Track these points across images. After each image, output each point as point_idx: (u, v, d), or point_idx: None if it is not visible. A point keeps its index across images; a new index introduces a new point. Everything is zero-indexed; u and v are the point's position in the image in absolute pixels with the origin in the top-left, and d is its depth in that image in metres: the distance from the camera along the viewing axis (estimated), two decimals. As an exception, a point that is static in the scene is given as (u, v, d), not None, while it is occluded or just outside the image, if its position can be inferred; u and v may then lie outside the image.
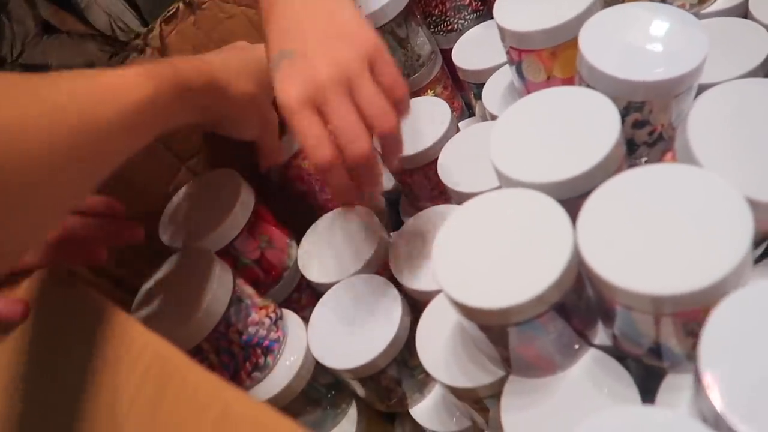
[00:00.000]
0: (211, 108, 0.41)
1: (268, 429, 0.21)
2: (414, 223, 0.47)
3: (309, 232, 0.53)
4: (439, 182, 0.48)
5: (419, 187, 0.55)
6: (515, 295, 0.29)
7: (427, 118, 0.52)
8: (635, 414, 0.24)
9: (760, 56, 0.42)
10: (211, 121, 0.43)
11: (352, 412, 0.52)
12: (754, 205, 0.28)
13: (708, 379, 0.24)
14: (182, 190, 0.50)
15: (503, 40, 0.45)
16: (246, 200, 0.48)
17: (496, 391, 0.36)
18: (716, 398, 0.23)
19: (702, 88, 0.35)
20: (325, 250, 0.50)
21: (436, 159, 0.49)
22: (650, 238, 0.28)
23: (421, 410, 0.47)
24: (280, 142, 0.50)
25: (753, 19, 0.45)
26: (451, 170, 0.48)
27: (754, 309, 0.25)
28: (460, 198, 0.45)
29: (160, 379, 0.25)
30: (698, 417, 0.26)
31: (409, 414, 0.49)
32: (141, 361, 0.27)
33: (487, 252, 0.31)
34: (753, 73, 0.41)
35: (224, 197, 0.48)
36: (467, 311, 0.30)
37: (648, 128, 0.38)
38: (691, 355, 0.30)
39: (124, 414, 0.25)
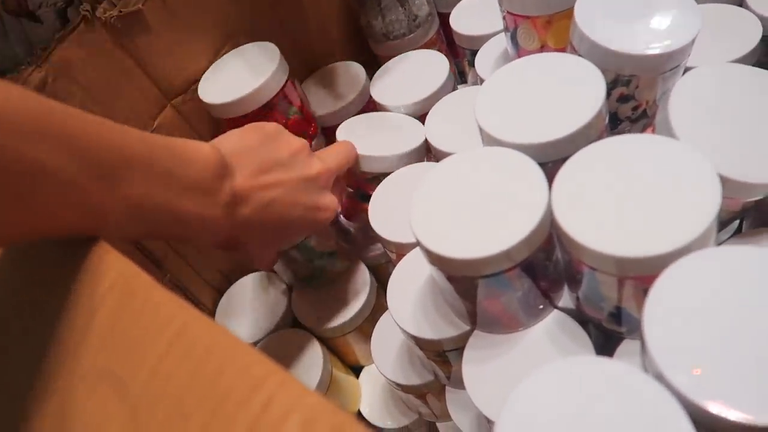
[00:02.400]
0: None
1: (222, 349, 0.22)
2: (395, 178, 0.47)
3: None
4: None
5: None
6: (486, 248, 0.30)
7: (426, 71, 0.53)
8: (584, 363, 0.25)
9: (750, 45, 0.42)
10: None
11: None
12: (725, 182, 0.28)
13: (650, 336, 0.25)
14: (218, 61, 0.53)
15: (501, 4, 0.45)
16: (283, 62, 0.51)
17: (459, 344, 0.37)
18: (658, 355, 0.24)
19: (688, 71, 0.36)
20: None
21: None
22: (621, 203, 0.29)
23: (386, 363, 0.48)
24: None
25: (747, 8, 0.45)
26: (437, 130, 0.48)
27: (700, 272, 0.26)
28: (444, 157, 0.46)
29: (123, 295, 0.26)
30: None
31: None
32: (106, 278, 0.27)
33: (464, 206, 0.32)
34: (741, 61, 0.42)
35: (262, 61, 0.50)
36: (439, 261, 0.31)
37: (632, 103, 0.39)
38: (648, 321, 0.31)
39: (84, 324, 0.26)
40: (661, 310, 0.25)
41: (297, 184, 0.38)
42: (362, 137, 0.50)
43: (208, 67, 0.52)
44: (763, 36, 0.43)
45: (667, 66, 0.36)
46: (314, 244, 0.50)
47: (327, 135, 0.59)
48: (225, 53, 0.53)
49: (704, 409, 0.22)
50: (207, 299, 0.57)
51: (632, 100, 0.38)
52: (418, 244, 0.32)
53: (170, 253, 0.51)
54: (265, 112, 0.50)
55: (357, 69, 0.60)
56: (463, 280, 0.32)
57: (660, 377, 0.24)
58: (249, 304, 0.56)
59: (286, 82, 0.51)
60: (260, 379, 0.19)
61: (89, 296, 0.27)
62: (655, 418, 0.22)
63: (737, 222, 0.40)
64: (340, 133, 0.52)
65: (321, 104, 0.59)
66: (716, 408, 0.22)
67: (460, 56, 0.62)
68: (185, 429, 0.20)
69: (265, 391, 0.19)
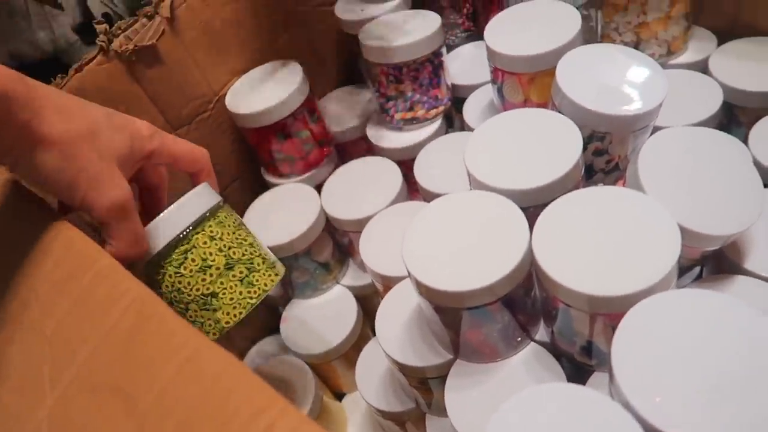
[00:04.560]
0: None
1: (229, 376, 0.24)
2: (384, 215, 0.50)
3: None
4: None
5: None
6: (471, 282, 0.33)
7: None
8: (558, 390, 0.28)
9: (712, 109, 0.47)
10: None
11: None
12: (686, 232, 0.32)
13: (617, 367, 0.28)
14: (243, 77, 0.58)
15: (490, 59, 0.49)
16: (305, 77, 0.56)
17: (441, 372, 0.40)
18: (624, 384, 0.27)
19: (657, 130, 0.40)
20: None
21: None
22: (594, 247, 0.32)
23: (370, 390, 0.50)
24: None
25: (710, 75, 0.50)
26: (426, 171, 0.52)
27: (662, 311, 0.29)
28: (432, 197, 0.49)
29: (139, 316, 0.28)
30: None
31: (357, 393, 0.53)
32: (124, 299, 0.29)
33: (452, 243, 0.35)
34: (704, 123, 0.46)
35: (285, 75, 0.56)
36: (428, 292, 0.34)
37: (606, 157, 0.42)
38: (616, 356, 0.35)
39: (100, 340, 0.27)
40: (627, 344, 0.28)
41: None
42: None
43: (214, 99, 0.56)
44: (723, 101, 0.48)
45: (638, 125, 0.40)
46: (311, 253, 0.52)
47: (339, 150, 0.63)
48: (232, 85, 0.57)
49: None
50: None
51: (606, 154, 0.42)
52: (408, 276, 0.35)
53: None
54: (289, 121, 0.55)
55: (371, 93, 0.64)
56: (448, 311, 0.35)
57: (626, 405, 0.26)
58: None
59: (309, 94, 0.56)
60: (263, 406, 0.21)
61: (104, 313, 0.29)
62: (619, 439, 0.25)
63: (698, 269, 0.43)
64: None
65: (336, 122, 0.63)
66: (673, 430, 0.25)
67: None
68: None
69: (267, 417, 0.21)
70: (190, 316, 0.37)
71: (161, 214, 0.36)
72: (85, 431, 0.25)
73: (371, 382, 0.50)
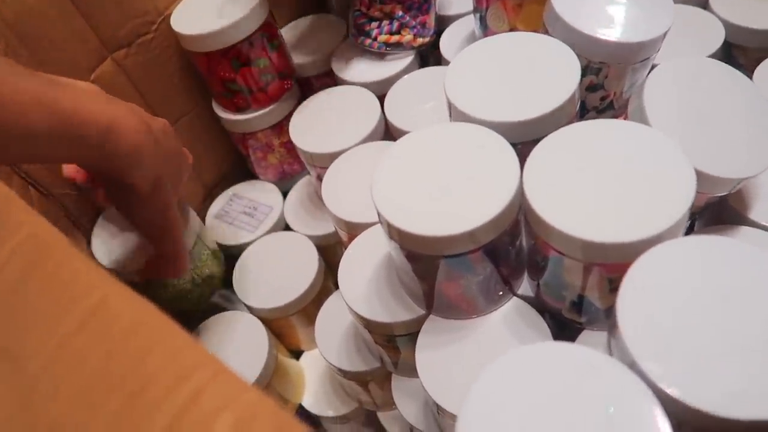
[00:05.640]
0: (106, 154, 0.32)
1: (147, 330, 0.18)
2: (349, 156, 0.45)
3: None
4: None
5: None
6: (451, 227, 0.28)
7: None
8: (549, 350, 0.24)
9: (713, 47, 0.43)
10: (106, 179, 0.35)
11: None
12: (697, 176, 0.28)
13: (624, 325, 0.24)
14: None
15: (473, -18, 0.43)
16: None
17: (411, 330, 0.36)
18: (631, 344, 0.23)
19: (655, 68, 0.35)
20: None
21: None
22: (594, 188, 0.28)
23: (330, 349, 0.45)
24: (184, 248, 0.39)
25: (711, 11, 0.46)
26: (397, 109, 0.46)
27: (672, 262, 0.25)
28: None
29: (32, 259, 0.22)
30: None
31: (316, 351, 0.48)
32: (14, 236, 0.23)
33: (430, 181, 0.30)
34: (704, 62, 0.42)
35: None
36: (400, 237, 0.29)
37: (601, 93, 0.38)
38: (610, 312, 0.31)
39: None
40: (635, 298, 0.24)
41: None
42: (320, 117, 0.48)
43: (158, 19, 0.48)
44: (725, 40, 0.43)
45: (638, 57, 0.36)
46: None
47: (301, 85, 0.57)
48: (179, 3, 0.50)
49: (675, 398, 0.21)
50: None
51: (601, 89, 0.38)
52: (379, 219, 0.30)
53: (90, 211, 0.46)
54: (245, 47, 0.48)
55: (338, 23, 0.58)
56: (423, 260, 0.31)
57: (632, 365, 0.23)
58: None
59: (268, 17, 0.49)
60: (189, 368, 0.16)
61: None
62: (628, 406, 0.21)
63: (689, 222, 0.40)
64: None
65: (299, 53, 0.56)
66: (686, 397, 0.21)
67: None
68: (90, 419, 0.16)
69: (194, 382, 0.16)
70: None
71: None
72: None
73: (332, 340, 0.45)
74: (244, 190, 0.60)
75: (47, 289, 0.20)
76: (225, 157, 0.60)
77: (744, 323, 0.23)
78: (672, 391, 0.22)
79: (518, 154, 0.30)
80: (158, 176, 0.35)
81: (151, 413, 0.15)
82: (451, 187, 0.29)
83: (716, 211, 0.37)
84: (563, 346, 0.24)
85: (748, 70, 0.43)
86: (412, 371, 0.40)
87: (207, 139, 0.57)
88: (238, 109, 0.53)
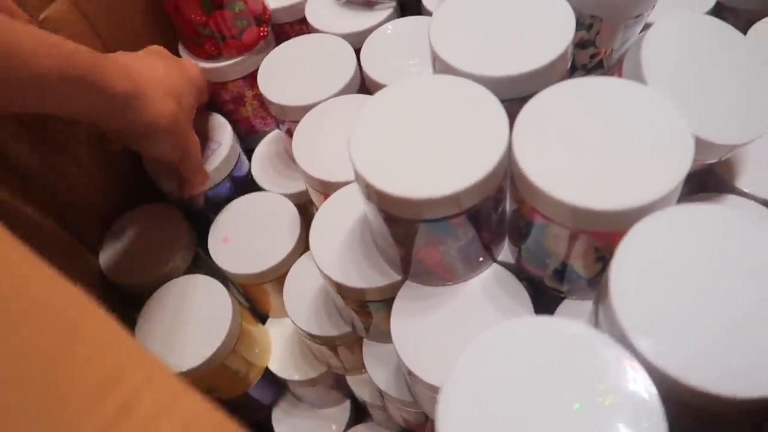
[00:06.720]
0: (127, 120, 0.36)
1: (69, 321, 0.14)
2: (322, 109, 0.42)
3: None
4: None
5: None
6: (433, 189, 0.26)
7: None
8: (539, 324, 0.23)
9: (705, 6, 0.41)
10: (122, 133, 0.39)
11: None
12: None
13: (616, 298, 0.23)
14: None
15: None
16: None
17: (386, 295, 0.34)
18: (623, 318, 0.22)
19: (647, 27, 0.33)
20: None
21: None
22: (587, 150, 0.26)
23: (299, 313, 0.43)
24: (204, 169, 0.46)
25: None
26: (373, 61, 0.44)
27: (667, 232, 0.24)
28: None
29: None
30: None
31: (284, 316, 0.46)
32: None
33: (412, 139, 0.28)
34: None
35: None
36: (379, 198, 0.27)
37: (591, 50, 0.36)
38: (593, 282, 0.30)
39: None
40: (628, 269, 0.23)
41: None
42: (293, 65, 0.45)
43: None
44: (717, 1, 0.42)
45: (633, 12, 0.34)
46: None
47: (275, 33, 0.53)
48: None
49: (667, 374, 0.20)
50: (91, 231, 0.49)
51: (591, 46, 0.36)
52: (355, 178, 0.28)
53: (37, 166, 0.42)
54: None
55: None
56: (402, 223, 0.29)
57: (622, 339, 0.21)
58: (145, 237, 0.49)
59: None
60: (120, 367, 0.13)
61: None
62: (618, 382, 0.20)
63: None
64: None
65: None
66: (679, 374, 0.20)
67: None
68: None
69: (126, 386, 0.13)
70: None
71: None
72: None
73: (301, 303, 0.44)
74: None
75: None
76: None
77: (739, 298, 0.22)
78: (664, 367, 0.21)
79: (507, 112, 0.28)
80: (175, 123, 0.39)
81: (74, 428, 0.12)
82: (434, 145, 0.27)
83: (701, 179, 0.36)
84: (550, 320, 0.23)
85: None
86: (384, 336, 0.39)
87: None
88: (209, 57, 0.49)
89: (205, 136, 0.49)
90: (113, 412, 0.12)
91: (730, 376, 0.20)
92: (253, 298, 0.51)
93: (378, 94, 0.30)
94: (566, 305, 0.31)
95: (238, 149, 0.51)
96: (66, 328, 0.13)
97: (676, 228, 0.24)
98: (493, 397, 0.21)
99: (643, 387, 0.20)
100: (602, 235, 0.26)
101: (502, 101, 0.29)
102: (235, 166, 0.50)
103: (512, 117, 0.28)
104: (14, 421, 0.12)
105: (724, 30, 0.31)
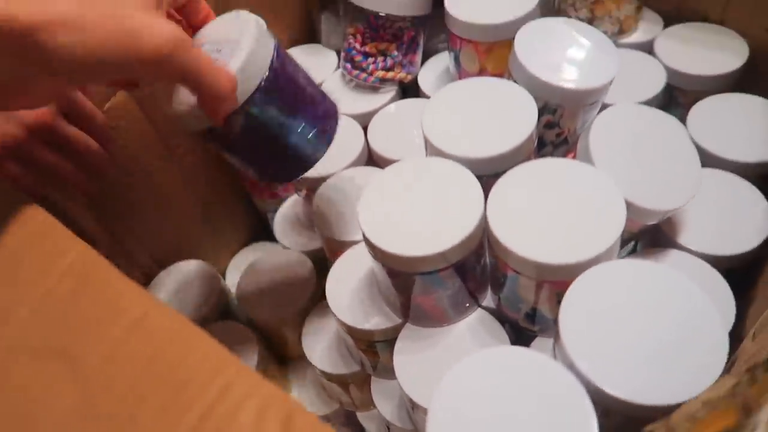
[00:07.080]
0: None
1: (182, 337, 0.23)
2: (338, 180, 0.50)
3: None
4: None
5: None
6: (425, 248, 0.33)
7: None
8: (506, 352, 0.29)
9: (656, 89, 0.49)
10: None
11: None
12: (629, 206, 0.34)
13: (564, 331, 0.29)
14: None
15: (448, 25, 0.49)
16: None
17: (389, 336, 0.41)
18: (569, 347, 0.29)
19: (605, 107, 0.41)
20: None
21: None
22: (544, 216, 0.33)
23: (315, 353, 0.50)
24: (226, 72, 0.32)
25: (655, 56, 0.52)
26: (379, 137, 0.52)
27: (606, 280, 0.31)
28: (385, 163, 0.49)
29: (82, 277, 0.26)
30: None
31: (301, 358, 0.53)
32: (64, 259, 0.27)
33: (408, 208, 0.35)
34: (647, 102, 0.48)
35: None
36: (382, 256, 0.34)
37: (556, 130, 0.43)
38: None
39: (39, 302, 0.25)
40: (573, 310, 0.30)
41: None
42: None
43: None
44: (666, 83, 0.50)
45: (589, 100, 0.42)
46: None
47: None
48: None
49: (601, 389, 0.27)
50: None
51: (556, 127, 0.43)
52: (364, 240, 0.35)
53: (100, 232, 0.50)
54: None
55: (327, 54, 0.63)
56: (401, 276, 0.36)
57: (570, 366, 0.28)
58: (181, 291, 0.56)
59: None
60: (219, 367, 0.21)
61: (43, 274, 0.26)
62: (564, 399, 0.27)
63: (632, 243, 0.46)
64: None
65: None
66: (612, 390, 0.27)
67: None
68: (140, 409, 0.21)
69: (224, 377, 0.20)
70: None
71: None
72: (27, 396, 0.24)
73: (317, 345, 0.50)
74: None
75: (96, 303, 0.24)
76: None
77: (657, 331, 0.29)
78: (599, 384, 0.27)
79: (483, 185, 0.35)
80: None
81: (190, 404, 0.20)
82: (425, 213, 0.35)
83: (653, 236, 0.42)
84: (516, 350, 0.30)
85: (686, 108, 0.49)
86: (389, 373, 0.45)
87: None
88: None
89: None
90: (216, 393, 0.20)
91: (647, 390, 0.27)
92: (274, 341, 0.58)
93: (380, 174, 0.37)
94: (538, 342, 0.37)
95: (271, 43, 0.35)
96: (181, 343, 0.21)
97: (613, 278, 0.30)
98: (469, 411, 0.27)
99: (582, 401, 0.26)
100: (561, 283, 0.33)
101: (480, 177, 0.36)
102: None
103: (487, 189, 0.35)
104: (156, 393, 0.20)
105: (659, 116, 0.39)
